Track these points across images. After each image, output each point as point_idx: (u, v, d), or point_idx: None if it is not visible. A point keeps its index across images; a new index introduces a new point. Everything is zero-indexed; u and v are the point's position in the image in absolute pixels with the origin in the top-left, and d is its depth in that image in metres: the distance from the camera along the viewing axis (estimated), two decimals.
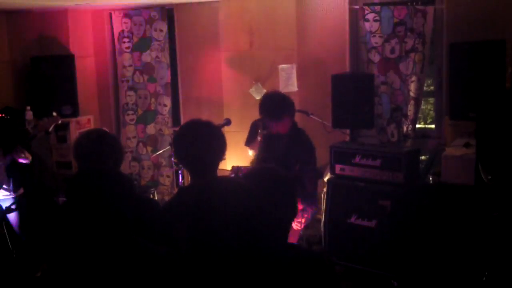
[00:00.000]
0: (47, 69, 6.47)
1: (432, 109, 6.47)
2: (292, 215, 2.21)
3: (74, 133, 6.49)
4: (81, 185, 2.00)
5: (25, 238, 5.11)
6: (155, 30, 6.78)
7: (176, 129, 6.54)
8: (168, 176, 6.97)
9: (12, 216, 5.01)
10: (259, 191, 2.06)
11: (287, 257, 2.01)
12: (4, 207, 4.90)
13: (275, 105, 4.41)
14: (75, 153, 2.82)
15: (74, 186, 2.00)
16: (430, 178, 4.92)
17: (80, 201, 1.96)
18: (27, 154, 4.88)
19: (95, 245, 1.96)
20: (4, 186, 4.99)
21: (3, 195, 4.99)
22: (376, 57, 5.70)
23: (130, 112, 7.05)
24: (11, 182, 5.03)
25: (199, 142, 2.54)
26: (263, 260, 1.97)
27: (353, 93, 5.28)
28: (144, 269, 1.94)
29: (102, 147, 2.74)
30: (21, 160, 4.88)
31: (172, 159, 6.30)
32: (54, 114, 5.30)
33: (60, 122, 5.37)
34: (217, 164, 2.57)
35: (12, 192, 5.03)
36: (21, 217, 5.08)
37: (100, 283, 1.92)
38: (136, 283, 1.93)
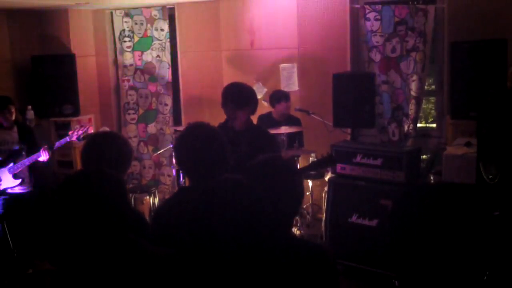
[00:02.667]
0: (48, 69, 6.47)
1: (433, 108, 6.46)
2: (297, 205, 2.17)
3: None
4: (73, 187, 1.99)
5: (21, 236, 5.18)
6: (156, 29, 6.78)
7: (177, 128, 6.56)
8: (169, 175, 6.97)
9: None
10: (261, 185, 2.04)
11: (290, 252, 2.00)
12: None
13: (243, 92, 3.97)
14: (81, 158, 2.81)
15: (66, 187, 2.00)
16: (431, 177, 4.92)
17: (72, 203, 1.96)
18: (49, 154, 5.02)
19: (91, 246, 1.96)
20: (25, 180, 5.16)
21: (20, 189, 5.10)
22: (377, 56, 5.70)
23: (131, 111, 7.05)
24: (32, 176, 5.17)
25: (199, 144, 2.47)
26: (264, 258, 1.97)
27: (354, 92, 5.27)
28: (143, 270, 1.94)
29: (104, 151, 2.73)
30: (42, 159, 5.02)
31: (174, 160, 6.30)
32: (87, 122, 5.49)
33: (92, 130, 5.60)
34: (219, 166, 2.49)
35: (27, 187, 5.16)
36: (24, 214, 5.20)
37: (99, 284, 1.92)
38: (136, 284, 1.93)
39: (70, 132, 5.18)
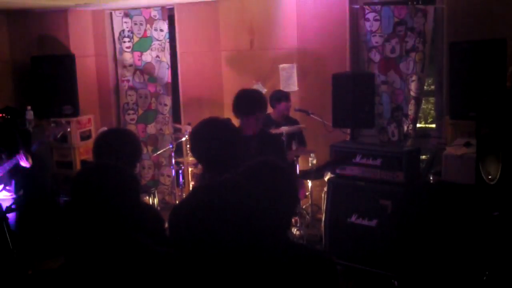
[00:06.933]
0: (48, 69, 6.47)
1: (432, 108, 6.47)
2: (293, 209, 2.19)
3: (75, 132, 6.49)
4: (84, 181, 1.99)
5: (21, 236, 5.13)
6: (156, 29, 6.78)
7: (176, 126, 6.57)
8: (168, 176, 6.98)
9: (10, 215, 5.03)
10: (258, 188, 2.05)
11: (288, 255, 2.00)
12: (4, 207, 4.92)
13: (249, 99, 3.98)
14: (93, 152, 2.80)
15: (76, 181, 1.99)
16: (431, 178, 4.92)
17: (83, 196, 1.95)
18: (30, 159, 4.91)
19: (95, 242, 1.96)
20: (6, 188, 5.02)
21: (4, 195, 5.03)
22: (376, 57, 5.70)
23: (131, 111, 7.05)
24: (13, 183, 5.07)
25: (214, 139, 2.58)
26: (263, 260, 1.97)
27: (353, 93, 5.27)
28: (143, 269, 1.94)
29: (121, 145, 2.73)
30: (23, 164, 4.91)
31: (173, 160, 6.31)
32: (62, 121, 5.32)
33: (69, 130, 5.39)
34: (230, 162, 2.53)
35: (13, 193, 5.06)
36: (19, 217, 5.11)
37: (99, 282, 1.92)
38: (136, 283, 1.93)
39: (46, 133, 5.13)
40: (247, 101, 3.93)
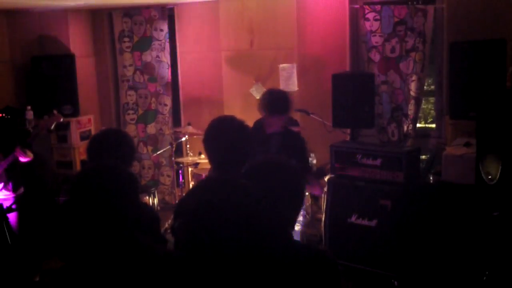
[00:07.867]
0: (48, 69, 6.47)
1: (432, 108, 6.47)
2: (297, 208, 2.18)
3: (75, 132, 6.49)
4: (84, 181, 1.99)
5: (23, 237, 5.11)
6: (156, 29, 6.78)
7: (177, 129, 6.57)
8: (168, 176, 6.98)
9: (11, 216, 5.01)
10: (258, 187, 2.04)
11: (290, 255, 2.00)
12: (4, 207, 4.91)
13: (284, 99, 4.13)
14: (88, 152, 2.81)
15: (78, 181, 1.99)
16: (431, 178, 4.92)
17: (83, 196, 1.95)
18: (29, 153, 4.89)
19: (95, 242, 1.96)
20: (6, 187, 5.01)
21: (4, 195, 5.01)
22: (376, 57, 5.70)
23: (131, 111, 7.05)
24: (11, 183, 5.05)
25: (223, 139, 2.61)
26: (264, 259, 1.97)
27: (353, 93, 5.27)
28: (143, 268, 1.94)
29: (118, 146, 2.74)
30: (22, 159, 4.88)
31: (173, 160, 6.31)
32: (55, 112, 5.27)
33: (62, 120, 5.33)
34: (238, 163, 2.54)
35: (12, 192, 5.04)
36: (20, 216, 5.08)
37: (99, 282, 1.92)
38: (135, 282, 1.93)
39: (40, 126, 5.11)
40: (273, 101, 4.04)
